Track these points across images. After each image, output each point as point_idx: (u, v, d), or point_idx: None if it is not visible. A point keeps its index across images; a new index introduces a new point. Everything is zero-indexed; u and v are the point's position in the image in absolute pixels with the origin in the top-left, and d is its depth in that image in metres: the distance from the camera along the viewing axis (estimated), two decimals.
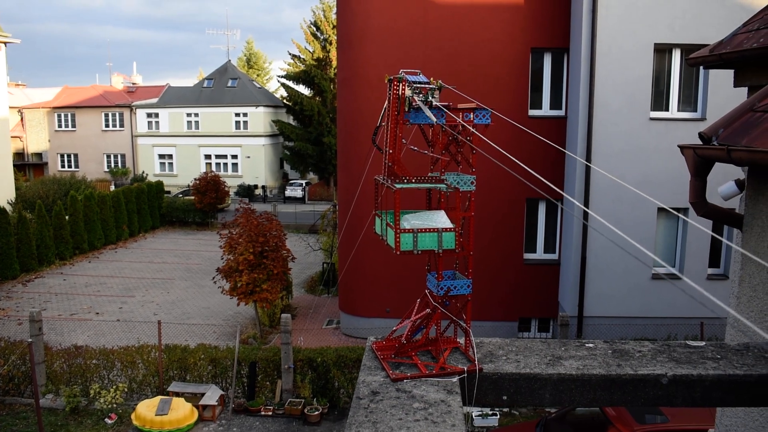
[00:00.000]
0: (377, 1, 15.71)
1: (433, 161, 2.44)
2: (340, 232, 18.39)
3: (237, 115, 49.54)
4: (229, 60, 55.50)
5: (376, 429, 1.90)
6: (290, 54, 49.75)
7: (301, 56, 48.51)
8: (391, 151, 2.75)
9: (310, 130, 45.28)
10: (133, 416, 12.27)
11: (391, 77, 2.66)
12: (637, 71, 13.97)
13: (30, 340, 12.38)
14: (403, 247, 2.63)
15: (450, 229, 2.68)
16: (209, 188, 33.75)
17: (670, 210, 3.01)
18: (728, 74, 6.15)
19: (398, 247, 2.64)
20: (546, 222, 16.54)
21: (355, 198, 15.24)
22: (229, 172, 49.02)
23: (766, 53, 5.27)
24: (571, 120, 15.26)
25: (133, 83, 58.03)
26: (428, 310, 2.51)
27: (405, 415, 2.00)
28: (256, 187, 47.95)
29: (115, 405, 12.81)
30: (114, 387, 13.06)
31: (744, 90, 6.11)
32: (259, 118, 49.33)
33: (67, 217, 27.07)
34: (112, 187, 42.28)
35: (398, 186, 2.71)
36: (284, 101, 48.49)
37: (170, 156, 50.81)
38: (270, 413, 12.88)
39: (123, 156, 51.85)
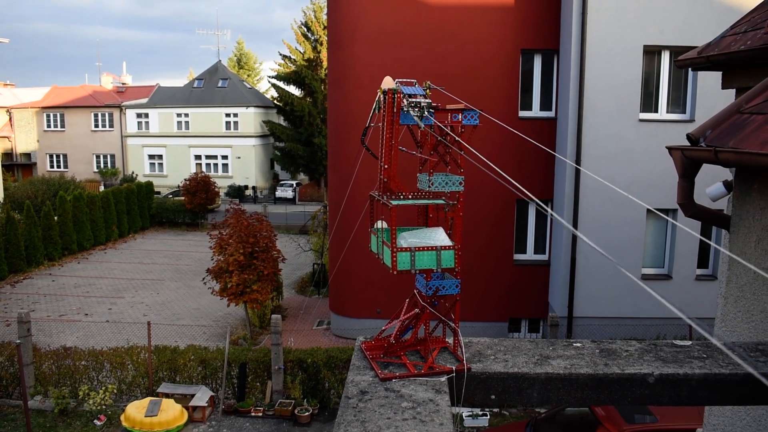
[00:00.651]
0: (368, 2, 15.72)
1: (421, 162, 2.45)
2: (331, 233, 18.39)
3: (227, 115, 49.40)
4: (220, 60, 55.36)
5: (364, 428, 1.91)
6: (281, 54, 49.65)
7: (292, 57, 48.46)
8: (386, 167, 2.67)
9: (301, 131, 45.24)
10: (122, 418, 12.20)
11: (386, 89, 2.60)
12: (627, 73, 14.05)
13: (18, 341, 12.30)
14: (401, 266, 2.54)
15: (449, 247, 2.61)
16: (199, 189, 33.66)
17: (656, 212, 3.04)
18: (717, 76, 6.20)
19: (395, 266, 2.55)
20: (536, 223, 16.61)
21: (345, 199, 15.25)
22: (220, 172, 48.87)
23: (754, 55, 5.32)
24: (561, 121, 15.33)
25: (123, 83, 57.76)
26: (417, 310, 2.51)
27: (393, 414, 2.01)
28: (246, 187, 47.84)
29: (104, 406, 12.75)
30: (103, 388, 13.00)
31: (732, 92, 6.16)
32: (250, 118, 49.22)
33: (56, 218, 26.93)
34: (102, 188, 42.07)
35: (395, 203, 2.64)
36: (275, 102, 48.42)
37: (160, 156, 50.59)
38: (260, 414, 12.86)
39: (113, 156, 51.58)
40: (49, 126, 52.21)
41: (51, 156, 52.43)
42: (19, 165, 53.90)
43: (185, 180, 34.51)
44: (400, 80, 2.62)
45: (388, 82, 2.50)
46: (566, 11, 14.75)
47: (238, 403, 13.17)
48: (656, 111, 14.57)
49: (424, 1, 15.52)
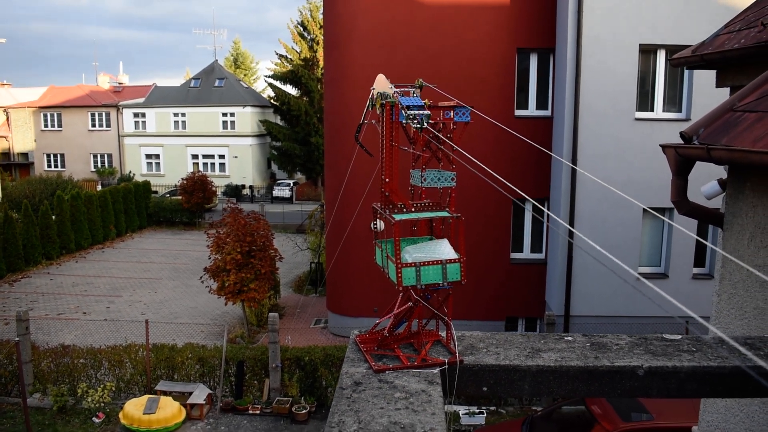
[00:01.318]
0: (364, 1, 15.76)
1: (414, 158, 2.48)
2: (328, 231, 18.43)
3: (224, 115, 49.41)
4: (216, 60, 55.36)
5: (358, 417, 1.95)
6: (277, 54, 49.74)
7: (288, 56, 48.46)
8: (387, 180, 2.63)
9: (298, 130, 45.26)
10: (120, 415, 12.25)
11: (384, 101, 2.57)
12: (622, 72, 14.09)
13: (17, 339, 12.33)
14: (406, 282, 2.51)
15: (455, 260, 2.60)
16: (196, 188, 33.68)
17: (652, 212, 3.07)
18: (713, 75, 6.24)
19: (400, 282, 2.52)
20: (533, 222, 16.66)
21: (339, 197, 15.28)
22: (217, 172, 48.88)
23: (747, 54, 5.37)
24: (557, 120, 15.38)
25: (120, 83, 57.71)
26: (410, 303, 2.55)
27: (387, 404, 2.05)
28: (243, 187, 47.85)
29: (102, 404, 12.79)
30: (101, 386, 13.04)
31: (727, 90, 6.21)
32: (247, 118, 49.23)
33: (53, 217, 26.94)
34: (99, 187, 42.04)
35: (398, 218, 2.60)
36: (271, 101, 48.43)
37: (157, 156, 50.59)
38: (258, 412, 12.89)
39: (110, 156, 51.57)
40: (46, 126, 52.18)
41: (48, 155, 52.41)
42: (16, 165, 53.86)
43: (182, 179, 34.52)
44: (396, 85, 2.61)
45: (381, 81, 2.53)
46: (562, 10, 14.80)
47: (236, 400, 13.21)
48: (652, 110, 14.62)
49: (420, 0, 15.56)
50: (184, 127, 49.92)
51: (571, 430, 10.28)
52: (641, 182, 13.87)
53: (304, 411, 12.69)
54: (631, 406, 9.79)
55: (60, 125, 51.95)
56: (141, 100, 51.10)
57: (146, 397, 12.48)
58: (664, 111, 14.63)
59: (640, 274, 14.82)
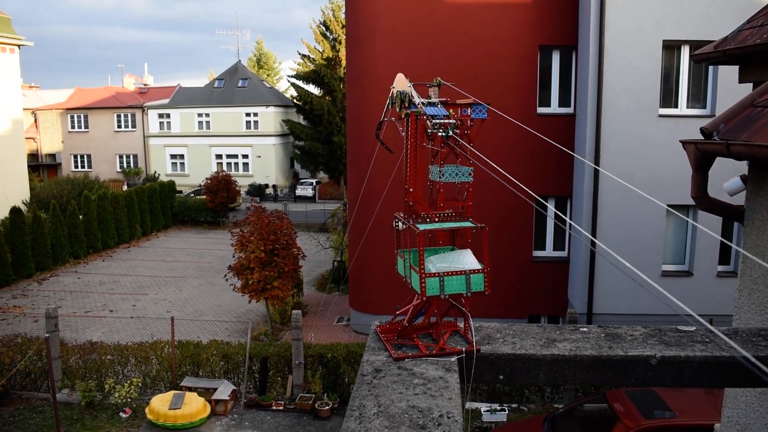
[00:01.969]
0: (385, 0, 15.83)
1: (433, 153, 2.56)
2: (350, 230, 18.55)
3: (247, 114, 49.80)
4: (239, 60, 55.83)
5: (378, 401, 2.03)
6: (300, 54, 50.00)
7: (311, 56, 48.72)
8: (411, 190, 2.64)
9: (320, 130, 45.49)
10: (147, 410, 12.48)
11: (408, 111, 2.59)
12: (646, 68, 13.98)
13: (47, 335, 12.61)
14: (429, 292, 2.52)
15: (478, 270, 2.61)
16: (220, 188, 34.03)
17: (672, 211, 3.09)
18: (737, 70, 6.21)
19: (424, 292, 2.52)
20: (558, 219, 16.59)
21: (360, 194, 15.37)
22: (240, 171, 49.28)
23: None
24: (579, 117, 15.32)
25: (145, 84, 58.48)
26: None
27: (405, 390, 2.13)
28: (266, 186, 48.21)
29: (129, 399, 13.03)
30: (128, 382, 13.29)
31: (751, 86, 6.17)
32: (270, 117, 49.58)
33: (81, 217, 27.43)
34: (125, 187, 42.68)
35: (422, 228, 2.60)
36: (294, 101, 48.72)
37: (182, 156, 51.17)
38: (281, 408, 13.04)
39: (135, 156, 52.27)
40: (73, 127, 53.04)
41: (75, 156, 53.26)
42: (44, 165, 54.87)
43: (207, 179, 34.91)
44: (415, 84, 2.66)
45: (400, 80, 2.60)
46: (584, 6, 14.73)
47: (260, 396, 13.37)
48: (676, 106, 14.49)
49: None
50: (208, 127, 50.43)
51: (592, 427, 10.27)
52: (664, 179, 13.76)
53: (326, 407, 12.82)
54: (652, 403, 9.76)
55: (87, 126, 52.78)
56: (166, 101, 51.72)
57: (172, 392, 12.71)
58: (688, 107, 14.49)
59: (663, 272, 14.70)
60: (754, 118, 4.70)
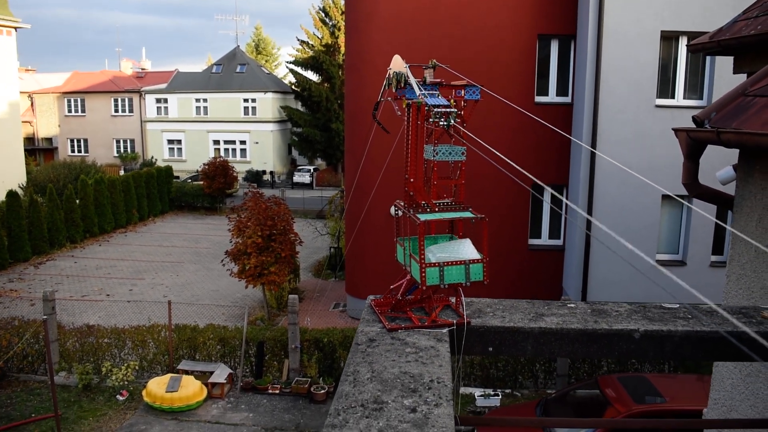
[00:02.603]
0: None
1: (427, 133, 2.63)
2: (346, 216, 18.64)
3: (245, 100, 49.73)
4: (238, 46, 55.62)
5: (371, 368, 2.13)
6: (299, 40, 49.79)
7: (310, 42, 48.59)
8: (412, 180, 2.66)
9: (319, 116, 45.46)
10: (144, 393, 12.61)
11: (410, 102, 2.61)
12: (644, 58, 14.04)
13: (44, 317, 12.70)
14: (429, 281, 2.55)
15: (478, 260, 2.65)
16: (218, 173, 34.06)
17: (675, 197, 3.19)
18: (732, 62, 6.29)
19: (424, 282, 2.55)
20: (551, 208, 16.70)
21: (355, 181, 15.43)
22: (238, 157, 49.28)
23: (764, 40, 5.42)
24: (577, 107, 15.39)
25: (142, 69, 58.30)
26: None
27: (398, 357, 2.23)
28: (264, 172, 48.22)
29: (126, 382, 13.14)
30: (125, 365, 13.40)
31: (745, 77, 6.24)
32: (268, 103, 49.51)
33: (77, 201, 27.46)
34: (122, 172, 42.65)
35: (423, 218, 2.62)
36: (293, 87, 48.66)
37: (179, 141, 51.12)
38: (277, 391, 13.18)
39: (132, 141, 52.21)
40: (70, 111, 52.90)
41: (72, 141, 53.17)
42: (40, 149, 54.74)
43: (204, 164, 34.93)
44: (411, 65, 2.72)
45: (397, 62, 2.67)
46: None
47: (256, 380, 13.50)
48: (673, 97, 14.56)
49: None
50: (205, 112, 50.35)
51: (584, 412, 10.42)
52: (661, 169, 13.80)
53: (322, 391, 12.96)
54: (643, 389, 9.92)
55: (83, 111, 52.66)
56: (163, 85, 51.59)
57: (169, 375, 12.83)
58: (685, 98, 14.56)
59: (657, 261, 14.83)
60: (745, 107, 4.79)
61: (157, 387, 12.46)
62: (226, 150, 49.83)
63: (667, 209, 14.96)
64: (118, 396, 13.02)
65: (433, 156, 2.60)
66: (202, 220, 33.91)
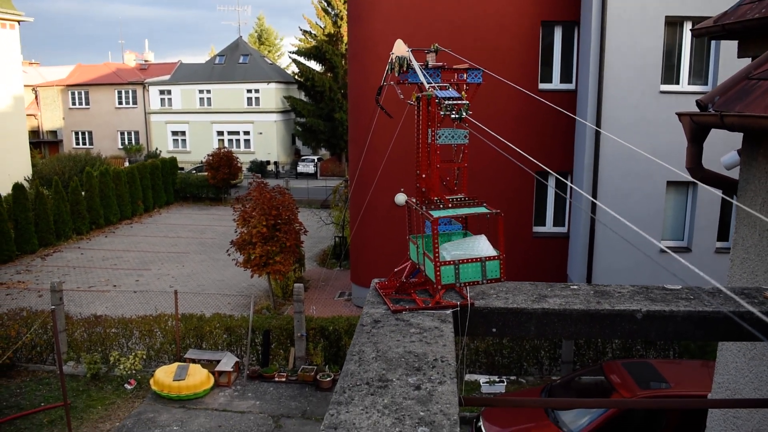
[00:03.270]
0: None
1: (430, 117, 2.64)
2: (351, 205, 18.67)
3: (249, 91, 49.68)
4: (240, 36, 55.52)
5: (376, 348, 2.16)
6: (301, 30, 49.65)
7: (313, 32, 48.44)
8: (424, 176, 2.60)
9: (322, 106, 45.38)
10: (151, 382, 12.72)
11: (419, 95, 2.56)
12: (648, 44, 13.97)
13: (52, 307, 12.79)
14: (444, 280, 2.51)
15: (494, 257, 2.60)
16: (222, 164, 34.10)
17: (680, 175, 3.19)
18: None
19: (439, 281, 2.51)
20: (556, 195, 16.69)
21: (358, 169, 15.44)
22: (242, 148, 49.29)
23: None
24: (581, 93, 15.34)
25: (146, 60, 58.22)
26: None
27: (402, 338, 2.26)
28: (268, 163, 48.24)
29: (134, 371, 13.25)
30: (133, 354, 13.49)
31: (750, 61, 6.21)
32: (271, 94, 49.46)
33: (83, 193, 27.57)
34: (127, 164, 42.74)
35: (436, 214, 2.56)
36: (296, 77, 48.55)
37: (183, 132, 51.14)
38: (283, 379, 13.27)
39: (136, 133, 52.24)
40: (74, 104, 52.94)
41: (77, 133, 53.24)
42: (45, 142, 54.84)
43: (208, 155, 34.96)
44: (413, 49, 2.72)
45: (399, 46, 2.68)
46: None
47: (263, 368, 13.59)
48: (677, 83, 14.49)
49: None
50: (209, 103, 50.33)
51: (589, 397, 10.46)
52: (665, 155, 13.63)
53: (328, 379, 13.04)
54: (648, 374, 9.95)
55: (87, 103, 52.68)
56: (167, 77, 51.56)
57: (176, 364, 12.92)
58: (689, 84, 14.49)
59: (662, 248, 14.79)
60: (749, 91, 4.78)
61: (164, 376, 12.56)
62: (230, 141, 49.85)
63: (672, 196, 14.93)
64: (126, 385, 13.14)
65: (436, 140, 2.62)
66: (207, 210, 34.00)
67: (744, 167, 5.18)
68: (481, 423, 9.75)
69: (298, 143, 52.63)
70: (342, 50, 45.09)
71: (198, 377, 12.59)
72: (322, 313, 15.91)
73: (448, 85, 2.65)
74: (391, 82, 2.72)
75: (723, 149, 5.66)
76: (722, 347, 5.51)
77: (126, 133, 52.46)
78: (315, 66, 46.73)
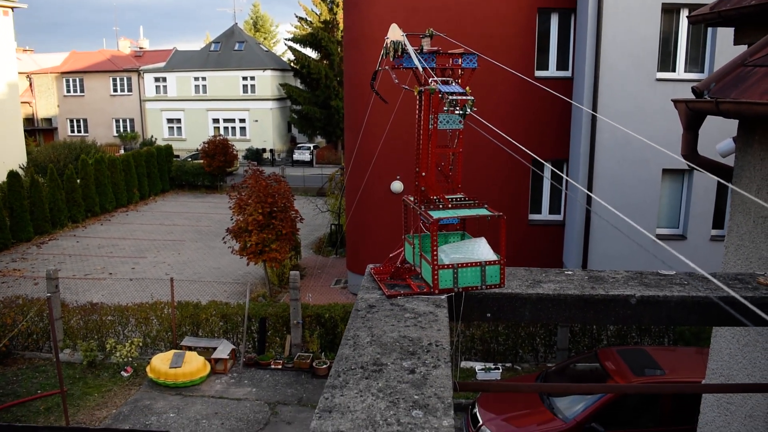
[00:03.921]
0: None
1: (432, 108, 2.62)
2: (346, 193, 18.65)
3: (244, 78, 49.46)
4: (236, 23, 55.21)
5: (371, 332, 2.17)
6: (297, 17, 49.38)
7: (308, 19, 48.18)
8: (423, 174, 2.51)
9: (318, 94, 45.22)
10: (148, 369, 12.74)
11: (422, 89, 2.48)
12: (644, 32, 13.94)
13: (48, 295, 12.79)
14: (442, 284, 2.42)
15: (495, 261, 2.51)
16: (218, 152, 34.02)
17: (677, 164, 3.20)
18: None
19: (436, 285, 2.42)
20: (554, 181, 16.69)
21: (353, 157, 15.41)
22: (237, 136, 49.15)
23: (764, 10, 5.38)
24: (577, 81, 15.32)
25: (141, 48, 57.88)
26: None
27: (397, 322, 2.27)
28: (264, 150, 48.13)
29: (130, 359, 13.27)
30: (129, 342, 13.51)
31: (746, 48, 6.20)
32: (267, 81, 49.26)
33: (78, 181, 27.48)
34: (122, 152, 42.60)
35: (436, 215, 2.45)
36: (291, 65, 48.34)
37: (178, 120, 50.94)
38: (280, 366, 13.31)
39: (132, 120, 52.04)
40: (68, 91, 52.68)
41: (71, 121, 53.02)
42: (40, 130, 54.57)
43: (204, 143, 34.88)
44: (408, 34, 2.70)
45: (394, 30, 2.66)
46: None
47: (259, 356, 13.63)
48: (674, 70, 14.48)
49: None
50: (204, 91, 50.12)
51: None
52: (662, 143, 13.57)
53: (324, 366, 13.08)
54: (643, 361, 10.02)
55: (82, 90, 52.42)
56: (162, 64, 51.29)
57: (172, 352, 12.95)
58: (686, 72, 14.47)
59: (657, 235, 14.85)
60: (744, 77, 4.78)
61: (160, 363, 12.58)
62: (226, 128, 49.69)
63: (668, 184, 14.95)
64: (122, 372, 13.16)
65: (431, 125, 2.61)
66: (203, 198, 33.95)
67: (739, 154, 5.18)
68: (476, 410, 9.80)
69: (294, 131, 52.49)
70: (338, 37, 44.88)
71: (194, 365, 12.62)
72: (318, 301, 15.94)
73: (451, 80, 2.56)
74: (386, 67, 2.71)
75: (718, 137, 5.67)
76: (716, 333, 5.54)
77: (121, 121, 52.25)
78: (311, 53, 46.54)
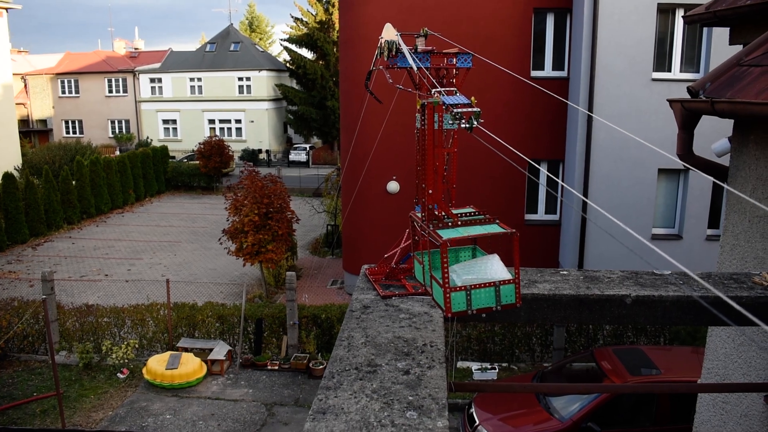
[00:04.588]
0: None
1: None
2: (343, 194, 18.63)
3: (240, 79, 49.40)
4: (231, 24, 55.19)
5: (366, 333, 2.16)
6: (293, 17, 49.34)
7: (304, 19, 48.14)
8: (431, 192, 2.37)
9: (314, 94, 45.18)
10: (144, 371, 12.71)
11: (425, 101, 2.36)
12: (640, 32, 13.96)
13: (44, 297, 12.74)
14: (455, 308, 2.23)
15: (509, 281, 2.36)
16: (214, 153, 33.98)
17: (673, 164, 3.18)
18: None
19: (449, 309, 2.22)
20: (548, 183, 16.71)
21: (348, 157, 15.39)
22: (233, 136, 49.08)
23: (759, 10, 5.39)
24: (573, 81, 15.33)
25: (136, 48, 57.77)
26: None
27: (392, 323, 2.26)
28: (260, 151, 48.05)
29: (126, 360, 13.24)
30: (125, 343, 13.48)
31: (742, 48, 6.21)
32: (262, 82, 49.20)
33: (74, 182, 27.40)
34: (117, 153, 42.49)
35: (446, 235, 2.28)
36: (287, 65, 48.29)
37: (174, 121, 50.84)
38: (276, 367, 13.29)
39: (127, 122, 51.89)
40: (63, 92, 52.52)
41: (66, 122, 52.85)
42: (35, 131, 54.35)
43: (199, 144, 34.82)
44: (402, 34, 2.68)
45: (388, 30, 2.64)
46: None
47: (255, 357, 13.60)
48: (669, 70, 14.50)
49: None
50: (200, 91, 50.03)
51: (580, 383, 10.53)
52: (658, 143, 13.65)
53: (321, 367, 13.06)
54: (639, 361, 10.03)
55: (77, 91, 52.26)
56: (157, 65, 51.17)
57: (168, 353, 12.92)
58: (681, 71, 14.49)
59: (653, 235, 14.87)
60: (740, 77, 4.79)
61: (157, 364, 12.55)
62: (222, 129, 49.61)
63: (663, 184, 14.97)
64: (118, 374, 13.12)
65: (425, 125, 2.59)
66: (199, 199, 33.88)
67: (735, 154, 5.19)
68: (473, 410, 9.80)
69: (290, 131, 52.44)
70: (334, 38, 44.85)
71: (191, 366, 12.59)
72: (314, 301, 15.93)
73: (456, 90, 2.42)
74: (381, 67, 2.69)
75: (714, 137, 5.68)
76: (712, 333, 5.55)
77: (116, 122, 52.11)
78: (307, 54, 46.49)
